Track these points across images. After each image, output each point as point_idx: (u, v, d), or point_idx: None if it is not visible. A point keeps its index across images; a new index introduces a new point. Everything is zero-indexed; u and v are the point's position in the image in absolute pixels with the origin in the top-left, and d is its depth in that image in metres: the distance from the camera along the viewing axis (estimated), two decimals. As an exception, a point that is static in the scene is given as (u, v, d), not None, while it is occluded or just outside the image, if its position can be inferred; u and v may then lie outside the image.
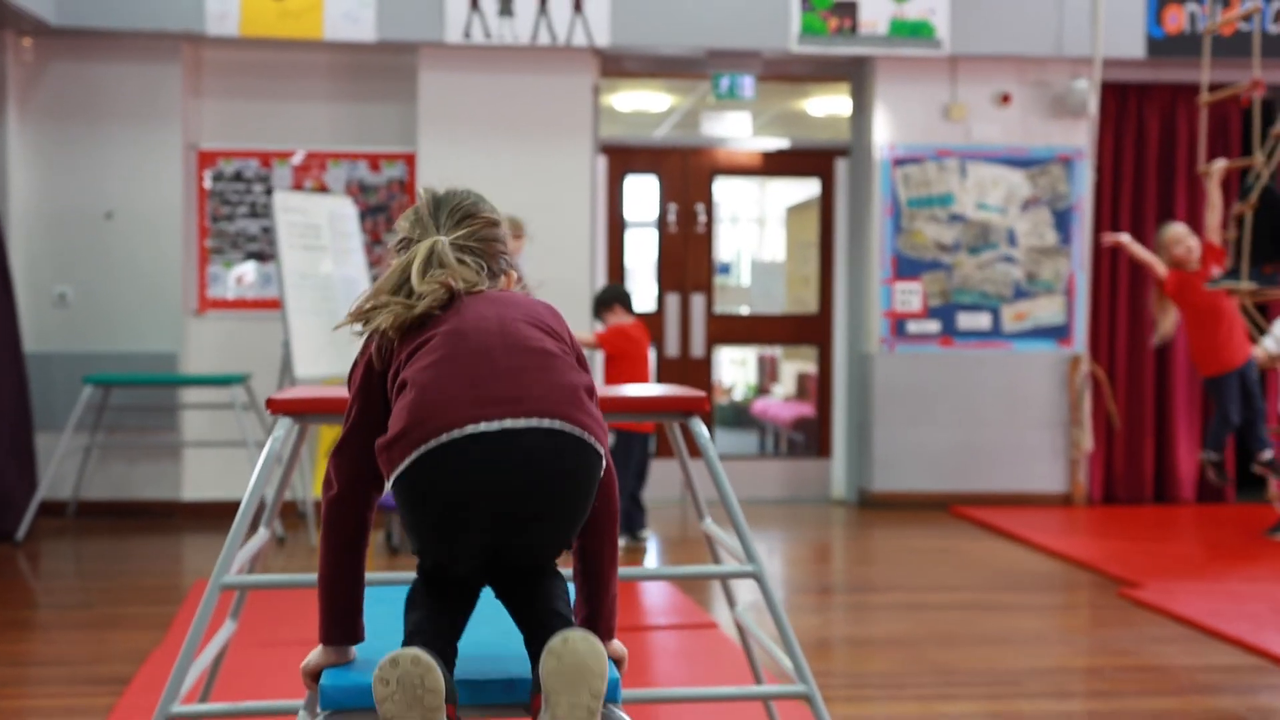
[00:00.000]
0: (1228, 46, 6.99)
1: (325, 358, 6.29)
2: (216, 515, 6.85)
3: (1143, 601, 4.85)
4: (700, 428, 2.52)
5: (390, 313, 1.97)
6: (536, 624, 1.89)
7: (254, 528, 2.86)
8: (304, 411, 2.55)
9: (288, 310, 6.14)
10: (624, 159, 7.60)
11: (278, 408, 2.53)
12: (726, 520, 2.92)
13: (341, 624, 1.99)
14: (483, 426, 1.85)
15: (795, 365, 9.82)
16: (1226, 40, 7.04)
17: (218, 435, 6.92)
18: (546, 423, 1.87)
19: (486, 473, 1.84)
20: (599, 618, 1.98)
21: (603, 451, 1.90)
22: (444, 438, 1.85)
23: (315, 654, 1.98)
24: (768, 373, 10.18)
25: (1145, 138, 7.53)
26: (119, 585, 5.25)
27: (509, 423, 1.86)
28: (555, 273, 6.86)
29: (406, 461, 1.86)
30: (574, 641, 1.77)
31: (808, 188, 8.46)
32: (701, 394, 2.52)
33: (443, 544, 1.90)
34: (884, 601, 4.99)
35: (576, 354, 2.05)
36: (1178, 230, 6.37)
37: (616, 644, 2.02)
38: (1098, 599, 5.03)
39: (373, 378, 2.01)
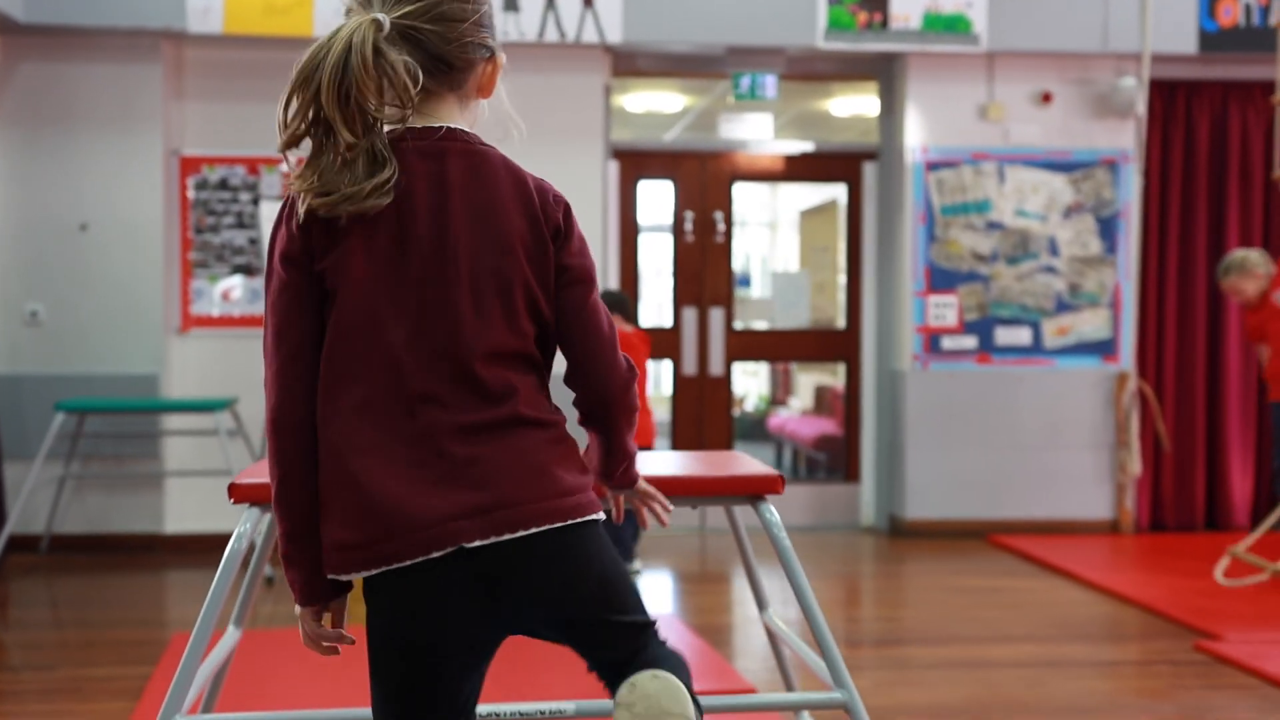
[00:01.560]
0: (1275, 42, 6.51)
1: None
2: (201, 549, 6.36)
3: (1225, 657, 4.36)
4: (772, 515, 2.04)
5: (304, 183, 1.62)
6: (596, 665, 1.66)
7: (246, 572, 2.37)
8: (269, 501, 2.05)
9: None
10: (637, 163, 7.11)
11: (242, 495, 2.05)
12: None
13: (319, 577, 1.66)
14: (436, 554, 1.58)
15: (813, 377, 9.33)
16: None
17: (202, 463, 6.42)
18: (523, 532, 1.59)
19: (449, 602, 1.59)
20: (613, 467, 1.82)
21: (598, 516, 1.64)
22: (388, 566, 1.58)
23: (306, 620, 1.69)
24: (781, 383, 9.69)
25: (1194, 139, 7.03)
26: (91, 638, 4.75)
27: (477, 543, 1.57)
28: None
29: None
30: (643, 685, 1.54)
31: (822, 190, 7.98)
32: (774, 473, 2.04)
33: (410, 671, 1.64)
34: (932, 658, 4.49)
35: (568, 263, 1.70)
36: (1252, 259, 5.85)
37: (642, 484, 1.90)
38: (1173, 653, 4.53)
39: (298, 266, 1.64)
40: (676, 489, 2.08)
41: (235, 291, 6.59)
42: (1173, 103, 7.01)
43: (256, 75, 6.59)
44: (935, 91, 6.80)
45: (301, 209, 1.62)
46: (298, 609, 1.69)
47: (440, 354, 1.62)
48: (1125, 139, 6.88)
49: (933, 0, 6.52)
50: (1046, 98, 6.82)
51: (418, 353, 1.61)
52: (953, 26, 6.53)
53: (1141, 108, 6.73)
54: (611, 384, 1.74)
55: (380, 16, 1.63)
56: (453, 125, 1.71)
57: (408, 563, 1.56)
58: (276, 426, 1.65)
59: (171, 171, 6.52)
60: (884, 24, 6.51)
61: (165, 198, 6.43)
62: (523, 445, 1.62)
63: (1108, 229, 6.89)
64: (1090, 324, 6.89)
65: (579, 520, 1.61)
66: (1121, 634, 4.89)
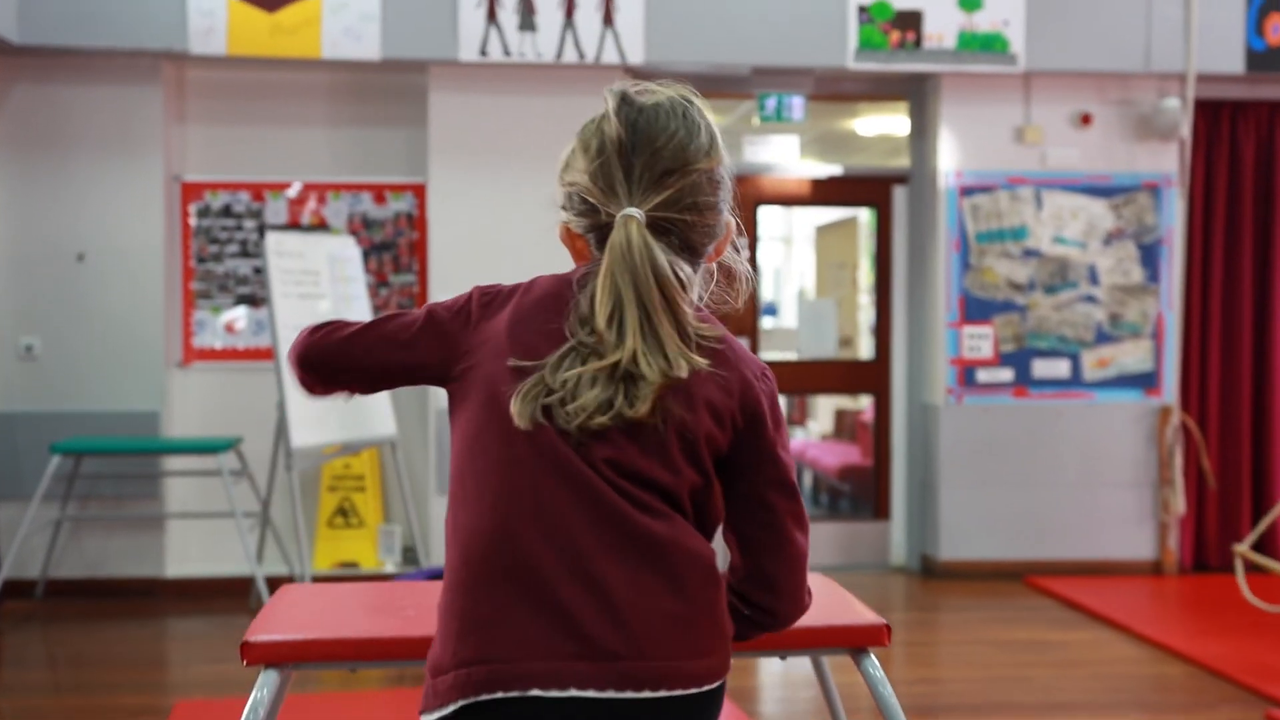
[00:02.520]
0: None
1: (325, 424, 5.51)
2: (203, 594, 6.08)
3: (1301, 732, 4.07)
4: (876, 670, 1.76)
5: (533, 393, 1.50)
6: None
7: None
8: (292, 661, 1.76)
9: (283, 368, 5.37)
10: (658, 188, 6.80)
11: (256, 656, 1.75)
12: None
13: None
14: (554, 693, 1.42)
15: (832, 399, 9.04)
16: (1334, 53, 6.27)
17: (205, 504, 6.14)
18: (649, 694, 1.43)
19: None
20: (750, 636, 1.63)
21: (724, 682, 1.49)
22: (489, 694, 1.43)
23: None
24: (797, 405, 9.40)
25: (1239, 161, 6.73)
26: (89, 705, 4.46)
27: (592, 693, 1.42)
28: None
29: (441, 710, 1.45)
30: None
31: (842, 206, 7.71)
32: (879, 622, 1.76)
33: None
34: (987, 728, 4.19)
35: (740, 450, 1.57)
36: None
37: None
38: (1242, 724, 4.24)
39: (444, 338, 1.59)
40: (774, 644, 1.78)
41: (239, 323, 6.30)
42: (1217, 124, 6.72)
43: (262, 97, 6.31)
44: (969, 113, 6.51)
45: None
46: None
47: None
48: (1168, 162, 6.59)
49: (968, 18, 6.23)
50: (1086, 119, 6.53)
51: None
52: (989, 45, 6.24)
53: (1186, 129, 6.44)
54: (797, 615, 1.63)
55: (634, 211, 1.51)
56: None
57: (500, 695, 1.43)
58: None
59: (172, 198, 6.23)
60: (917, 43, 6.22)
61: (166, 225, 6.15)
62: (679, 577, 1.48)
63: (1150, 256, 6.60)
64: (1132, 355, 6.60)
65: (714, 686, 1.48)
66: (1186, 701, 4.58)
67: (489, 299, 1.59)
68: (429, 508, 6.24)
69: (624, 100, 1.57)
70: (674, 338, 1.48)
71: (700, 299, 1.59)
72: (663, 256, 1.49)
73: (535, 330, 1.52)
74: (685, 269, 1.52)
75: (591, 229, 1.56)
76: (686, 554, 1.48)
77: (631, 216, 1.50)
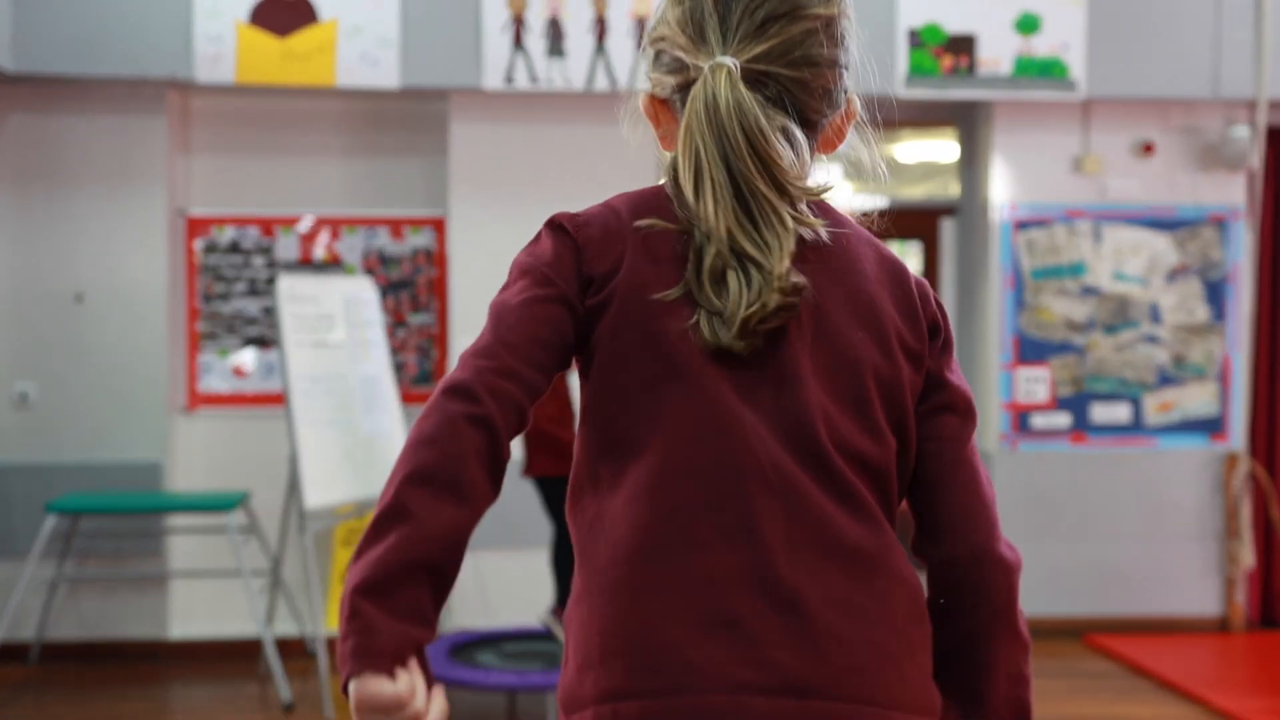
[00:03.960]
0: None
1: (342, 480, 5.13)
2: (209, 657, 5.70)
3: None
4: None
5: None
6: None
7: None
8: None
9: (294, 421, 4.99)
10: (691, 220, 6.42)
11: None
12: None
13: (394, 631, 1.09)
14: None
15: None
16: None
17: (211, 561, 5.76)
18: None
19: None
20: (988, 691, 1.30)
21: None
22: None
23: (372, 686, 1.07)
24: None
25: (1310, 192, 6.34)
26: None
27: None
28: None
29: None
30: None
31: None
32: None
33: None
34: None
35: (948, 380, 1.36)
36: None
37: None
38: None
39: (570, 284, 1.27)
40: None
41: (248, 365, 5.92)
42: (1284, 152, 6.32)
43: (272, 127, 5.93)
44: (1024, 141, 6.11)
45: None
46: (355, 684, 1.08)
47: (787, 436, 1.23)
48: (1235, 194, 6.19)
49: (1025, 43, 5.83)
50: (1148, 149, 6.13)
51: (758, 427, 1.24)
52: (1048, 72, 5.84)
53: (1256, 159, 6.04)
54: (1001, 566, 1.31)
55: (728, 60, 1.25)
56: None
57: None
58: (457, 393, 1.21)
59: (177, 233, 5.86)
60: (970, 69, 5.83)
61: (170, 262, 5.77)
62: (887, 603, 1.22)
63: (1215, 293, 6.20)
64: (1196, 399, 6.20)
65: None
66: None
67: (580, 223, 1.30)
68: (450, 563, 5.83)
69: None
70: (777, 202, 1.22)
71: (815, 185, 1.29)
72: (756, 108, 1.22)
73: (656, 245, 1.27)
74: (795, 131, 1.25)
75: (679, 89, 1.30)
76: (897, 579, 1.23)
77: (722, 65, 1.24)
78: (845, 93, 1.32)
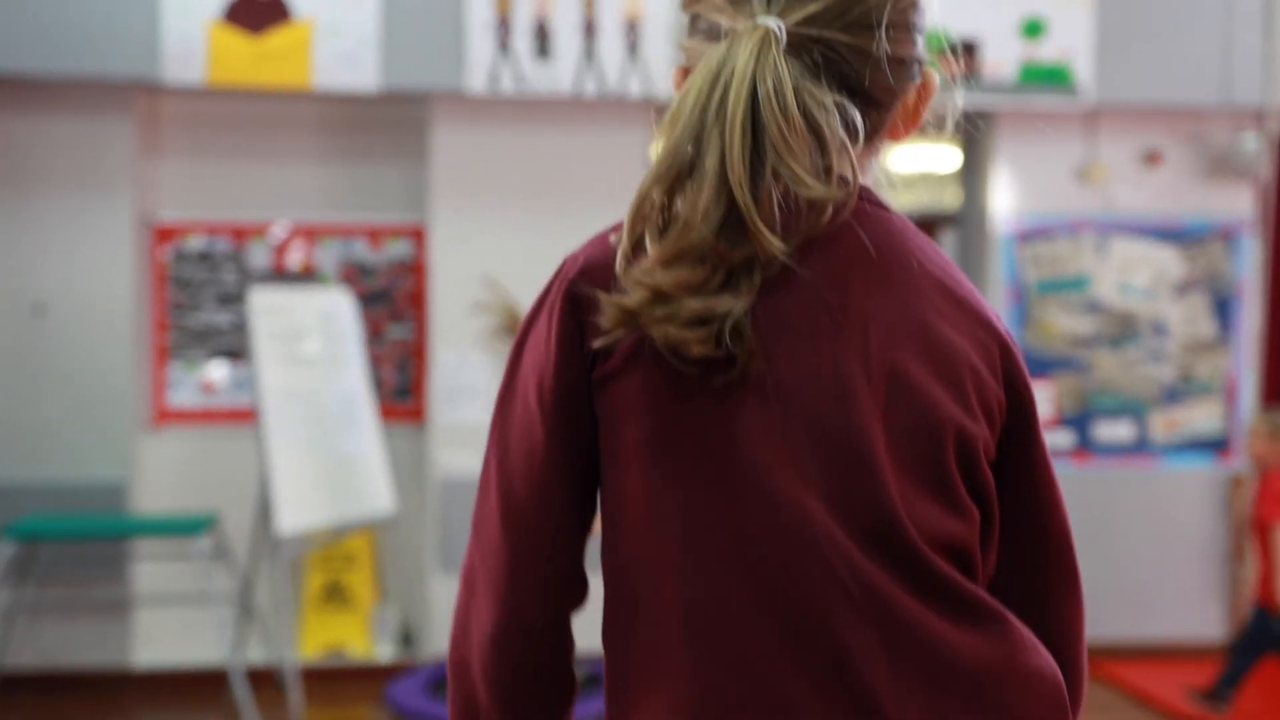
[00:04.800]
0: None
1: (317, 503, 4.87)
2: (175, 688, 5.43)
3: None
4: None
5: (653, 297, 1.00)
6: None
7: None
8: None
9: (267, 440, 4.73)
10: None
11: None
12: None
13: None
14: None
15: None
16: None
17: (178, 584, 5.48)
18: None
19: None
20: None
21: None
22: None
23: None
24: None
25: (1319, 204, 6.14)
26: None
27: None
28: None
29: None
30: None
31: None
32: None
33: None
34: None
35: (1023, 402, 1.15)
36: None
37: None
38: None
39: (573, 373, 1.06)
40: None
41: (217, 379, 5.65)
42: (1295, 163, 6.12)
43: (245, 130, 5.67)
44: (1028, 151, 5.90)
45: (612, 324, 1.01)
46: None
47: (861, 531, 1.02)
48: (1243, 205, 6.00)
49: (1032, 46, 5.62)
50: (1155, 158, 5.93)
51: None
52: (1054, 78, 5.63)
53: (1265, 169, 5.85)
54: (1079, 613, 1.18)
55: (771, 22, 1.02)
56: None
57: None
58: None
59: (143, 241, 5.58)
60: (974, 75, 5.61)
61: (135, 272, 5.49)
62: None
63: (1223, 308, 6.00)
64: (1202, 417, 6.00)
65: None
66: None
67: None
68: (428, 587, 5.59)
69: None
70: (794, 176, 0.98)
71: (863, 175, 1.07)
72: (788, 77, 1.00)
73: None
74: (849, 109, 1.03)
75: None
76: (1033, 693, 1.06)
77: (761, 28, 1.01)
78: (920, 65, 1.12)
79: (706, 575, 0.98)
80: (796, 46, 1.03)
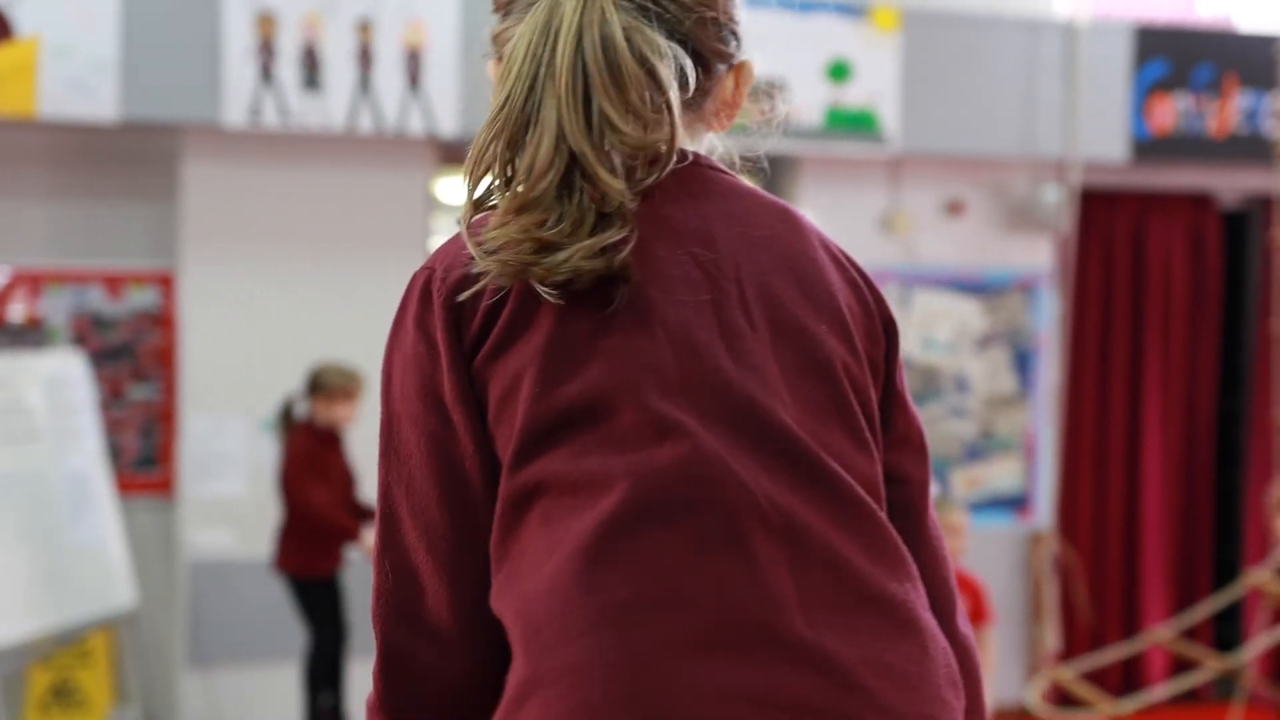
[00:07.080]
0: (1214, 149, 5.67)
1: (43, 608, 4.17)
2: None
3: None
4: None
5: (502, 263, 1.01)
6: None
7: None
8: None
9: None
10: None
11: None
12: None
13: None
14: None
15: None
16: (1216, 142, 5.71)
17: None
18: None
19: None
20: None
21: None
22: None
23: None
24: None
25: (1112, 256, 6.09)
26: None
27: None
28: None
29: None
30: None
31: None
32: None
33: None
34: None
35: (905, 404, 1.17)
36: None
37: None
38: None
39: (442, 410, 1.06)
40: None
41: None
42: (1090, 215, 6.03)
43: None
44: (832, 199, 5.63)
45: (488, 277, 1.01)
46: None
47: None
48: (1041, 256, 5.88)
49: (836, 92, 5.34)
50: (956, 208, 5.75)
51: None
52: (860, 124, 5.36)
53: (1065, 222, 5.74)
54: (968, 649, 1.13)
55: None
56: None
57: None
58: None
59: None
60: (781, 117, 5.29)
61: None
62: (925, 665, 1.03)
63: (1022, 362, 5.87)
64: (1002, 474, 5.86)
65: None
66: None
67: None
68: (175, 685, 4.93)
69: None
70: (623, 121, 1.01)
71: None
72: (618, 20, 1.02)
73: None
74: (683, 57, 1.06)
75: None
76: (929, 633, 1.05)
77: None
78: (739, 44, 1.13)
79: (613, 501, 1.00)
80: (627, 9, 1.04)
